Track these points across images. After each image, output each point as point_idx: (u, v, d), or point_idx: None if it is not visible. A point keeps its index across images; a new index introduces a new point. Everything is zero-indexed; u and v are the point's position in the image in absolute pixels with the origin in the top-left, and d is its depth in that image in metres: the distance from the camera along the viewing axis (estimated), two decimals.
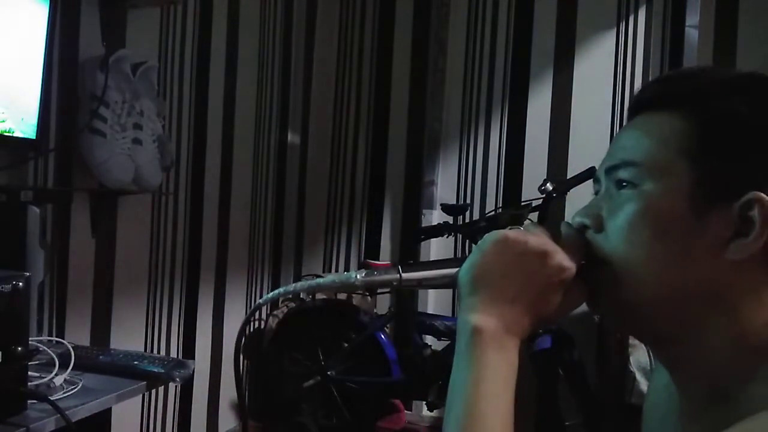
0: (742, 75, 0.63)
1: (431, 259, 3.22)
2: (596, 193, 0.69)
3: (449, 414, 0.61)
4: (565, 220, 0.68)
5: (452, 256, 3.06)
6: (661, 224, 0.61)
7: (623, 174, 0.63)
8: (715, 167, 0.59)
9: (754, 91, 0.61)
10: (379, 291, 3.18)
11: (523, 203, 2.76)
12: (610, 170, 0.65)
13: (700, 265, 0.60)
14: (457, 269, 0.67)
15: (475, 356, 0.61)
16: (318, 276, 3.25)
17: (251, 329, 3.22)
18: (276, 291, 0.76)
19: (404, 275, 0.70)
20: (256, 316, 3.26)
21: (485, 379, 0.60)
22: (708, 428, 0.56)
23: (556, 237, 0.66)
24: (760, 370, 0.58)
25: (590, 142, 3.02)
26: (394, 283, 0.71)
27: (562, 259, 0.63)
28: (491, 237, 0.65)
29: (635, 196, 0.62)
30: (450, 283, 0.69)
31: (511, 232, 0.64)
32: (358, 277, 0.71)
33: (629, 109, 0.69)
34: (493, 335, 0.62)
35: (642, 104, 0.67)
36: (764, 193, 0.57)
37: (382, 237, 3.47)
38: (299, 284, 0.75)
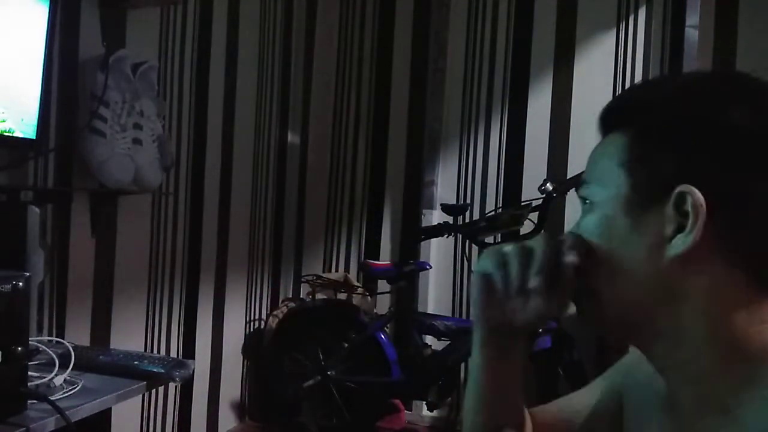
0: (676, 81, 0.67)
1: (431, 259, 3.22)
2: None
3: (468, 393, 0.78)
4: (571, 222, 0.71)
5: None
6: (606, 233, 0.64)
7: (582, 193, 0.68)
8: (646, 170, 0.62)
9: (675, 91, 0.64)
10: (379, 291, 3.18)
11: (523, 203, 2.76)
12: (578, 190, 0.70)
13: (648, 268, 0.61)
14: None
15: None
16: (318, 276, 3.27)
17: (251, 329, 3.22)
18: None
19: None
20: (256, 316, 3.26)
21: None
22: None
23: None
24: (747, 375, 0.58)
25: (590, 142, 2.97)
26: None
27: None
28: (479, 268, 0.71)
29: (589, 211, 0.66)
30: None
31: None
32: None
33: (599, 127, 0.72)
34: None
35: (603, 124, 0.70)
36: (696, 185, 0.58)
37: (382, 237, 3.47)
38: None
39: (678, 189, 0.59)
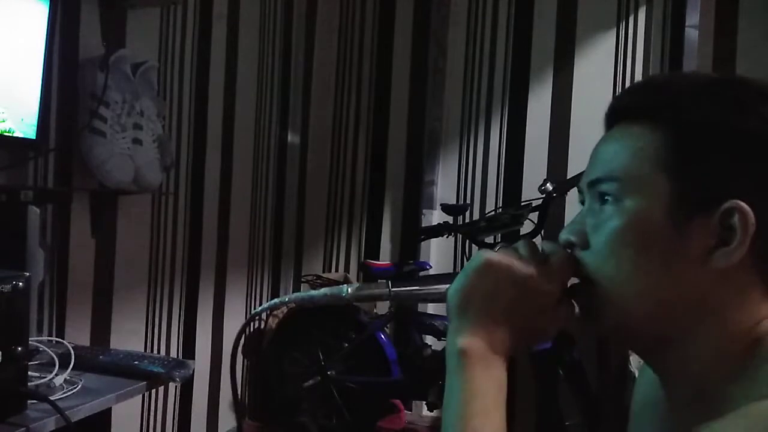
0: (712, 80, 0.63)
1: (431, 259, 3.22)
2: (581, 202, 0.69)
3: None
4: (545, 239, 0.68)
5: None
6: (643, 240, 0.61)
7: (604, 188, 0.64)
8: (692, 179, 0.60)
9: (724, 97, 0.61)
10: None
11: (523, 203, 2.76)
12: (592, 184, 0.66)
13: (685, 277, 0.60)
14: (446, 287, 0.68)
15: (464, 377, 0.64)
16: (318, 276, 3.26)
17: (251, 329, 3.22)
18: (272, 301, 0.81)
19: (393, 290, 0.74)
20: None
21: (475, 397, 0.62)
22: (693, 425, 0.57)
23: (543, 256, 0.66)
24: (743, 371, 0.58)
25: (590, 142, 2.97)
26: (384, 297, 0.74)
27: (544, 284, 0.64)
28: (476, 260, 0.66)
29: (617, 212, 0.62)
30: (440, 299, 0.71)
31: (495, 256, 0.65)
32: (349, 291, 0.74)
33: (605, 118, 0.69)
34: (479, 355, 0.63)
35: (617, 113, 0.67)
36: (742, 200, 0.57)
37: (382, 237, 3.47)
38: (293, 295, 0.80)
39: (728, 204, 0.58)
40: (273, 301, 0.80)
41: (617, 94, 0.69)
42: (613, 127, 0.67)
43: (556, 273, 0.65)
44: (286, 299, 0.79)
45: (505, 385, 0.64)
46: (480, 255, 0.66)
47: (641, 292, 0.61)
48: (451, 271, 3.31)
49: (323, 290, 0.75)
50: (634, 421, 0.76)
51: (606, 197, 0.64)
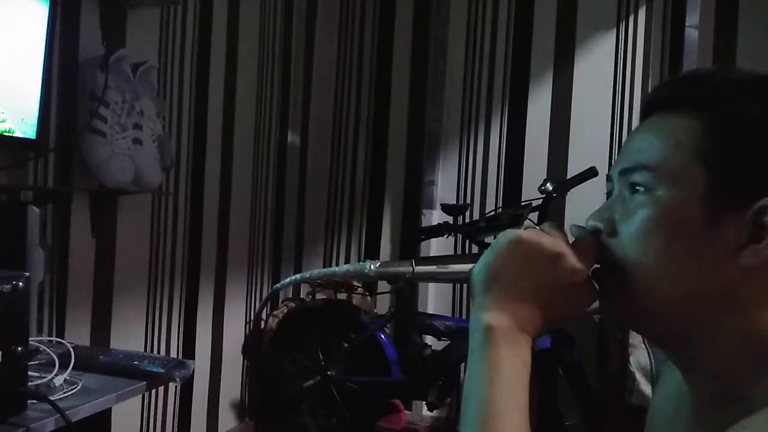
0: (757, 77, 0.63)
1: None
2: (608, 192, 0.69)
3: (466, 411, 0.61)
4: (571, 221, 0.68)
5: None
6: (675, 231, 0.61)
7: (637, 178, 0.63)
8: (729, 173, 0.59)
9: (766, 95, 0.61)
10: (379, 291, 3.18)
11: (523, 203, 2.76)
12: (624, 172, 0.65)
13: (712, 270, 0.60)
14: (470, 266, 0.67)
15: (489, 354, 0.62)
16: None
17: (251, 329, 3.21)
18: (293, 277, 0.78)
19: (417, 269, 0.71)
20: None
21: (500, 376, 0.61)
22: (719, 427, 0.57)
23: (570, 238, 0.66)
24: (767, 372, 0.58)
25: (590, 142, 3.03)
26: (407, 276, 0.72)
27: (574, 262, 0.63)
28: (506, 237, 0.65)
29: (649, 201, 0.62)
30: (463, 279, 0.70)
31: (525, 233, 0.64)
32: (372, 267, 0.72)
33: (642, 108, 0.68)
34: (506, 333, 0.62)
35: (656, 104, 0.66)
36: None
37: (382, 237, 3.47)
38: (315, 271, 0.77)
39: (762, 201, 0.57)
40: (294, 277, 0.78)
41: (656, 85, 0.68)
42: (649, 118, 0.67)
43: (584, 253, 0.64)
44: (307, 275, 0.77)
45: (530, 365, 0.62)
46: (509, 232, 0.65)
47: (666, 280, 0.61)
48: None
49: (345, 266, 0.73)
50: (653, 424, 0.76)
51: (638, 186, 0.63)
